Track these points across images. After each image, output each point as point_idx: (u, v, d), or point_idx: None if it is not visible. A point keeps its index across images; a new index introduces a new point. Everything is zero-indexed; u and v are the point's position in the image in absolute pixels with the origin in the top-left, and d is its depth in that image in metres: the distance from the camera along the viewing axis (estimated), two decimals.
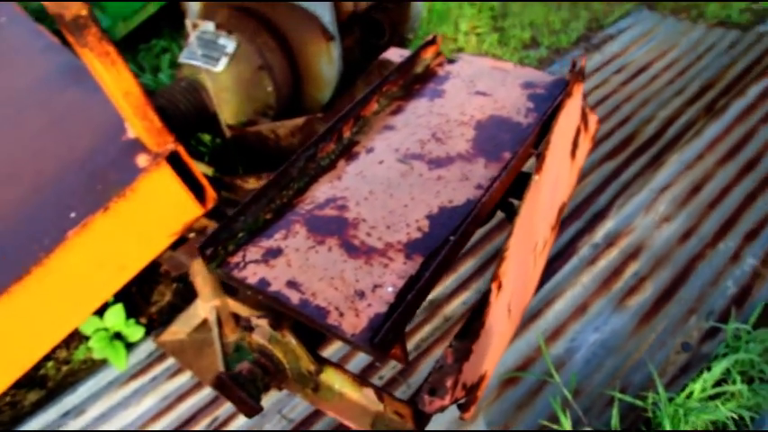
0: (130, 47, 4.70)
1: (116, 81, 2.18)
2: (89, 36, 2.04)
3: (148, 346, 2.80)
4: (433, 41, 2.09)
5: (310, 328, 1.80)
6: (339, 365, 1.64)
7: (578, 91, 1.86)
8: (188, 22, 3.01)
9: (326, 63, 3.07)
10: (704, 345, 2.54)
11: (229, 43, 2.96)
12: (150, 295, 2.97)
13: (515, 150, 1.70)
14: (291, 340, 1.56)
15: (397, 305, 1.32)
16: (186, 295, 2.97)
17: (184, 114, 2.95)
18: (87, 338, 2.78)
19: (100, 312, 2.73)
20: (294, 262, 1.46)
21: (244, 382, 1.52)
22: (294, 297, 1.38)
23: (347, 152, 1.77)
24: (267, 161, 3.14)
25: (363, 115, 1.87)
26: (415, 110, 1.89)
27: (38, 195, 2.41)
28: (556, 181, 1.89)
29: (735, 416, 2.23)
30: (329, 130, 1.76)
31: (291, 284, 1.41)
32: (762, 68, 4.09)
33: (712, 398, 2.28)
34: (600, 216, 3.12)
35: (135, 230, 2.46)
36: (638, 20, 4.84)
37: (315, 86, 3.20)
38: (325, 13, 2.86)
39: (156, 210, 2.48)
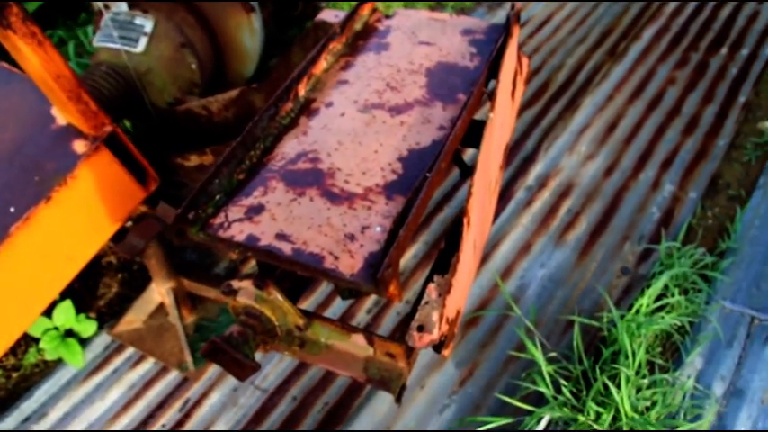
0: None
1: (45, 64, 2.10)
2: (11, 16, 1.95)
3: (103, 339, 2.73)
4: None
5: (290, 284, 1.83)
6: (324, 317, 1.68)
7: (517, 33, 1.96)
8: (99, 4, 2.92)
9: (249, 35, 3.05)
10: (640, 267, 2.74)
11: (147, 22, 2.88)
12: (96, 288, 2.89)
13: (469, 91, 1.78)
14: (278, 296, 1.58)
15: (390, 242, 1.38)
16: (133, 284, 2.91)
17: (109, 100, 2.87)
18: (36, 341, 2.68)
19: (47, 312, 2.64)
20: (279, 215, 1.49)
21: (237, 344, 1.54)
22: (286, 248, 1.41)
23: (306, 109, 1.80)
24: (200, 139, 3.10)
25: (314, 73, 1.90)
26: (364, 63, 1.94)
27: None
28: (502, 122, 1.99)
29: (677, 323, 2.44)
30: (285, 90, 1.78)
31: (281, 237, 1.44)
32: (652, 12, 4.38)
33: (656, 311, 2.47)
34: (529, 160, 3.28)
35: (80, 219, 2.39)
36: None
37: (238, 60, 3.17)
38: None
39: (99, 196, 2.42)
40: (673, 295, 2.49)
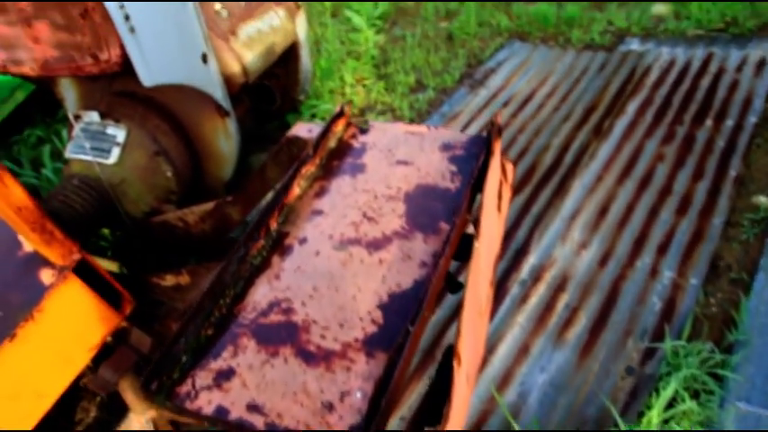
0: (2, 139, 4.40)
1: (4, 198, 2.00)
2: None
3: None
4: (341, 113, 2.05)
5: None
6: None
7: (498, 147, 1.87)
8: (70, 115, 2.84)
9: (224, 139, 2.97)
10: (646, 365, 2.60)
11: (119, 132, 2.80)
12: (73, 414, 2.72)
13: (451, 220, 1.68)
14: None
15: (372, 413, 1.25)
16: (113, 407, 2.75)
17: (82, 215, 2.76)
18: None
19: None
20: (250, 381, 1.35)
21: None
22: (258, 422, 1.28)
23: (279, 246, 1.69)
24: (178, 250, 2.99)
25: (287, 203, 1.80)
26: (339, 189, 1.84)
27: None
28: (490, 238, 1.88)
29: None
30: (256, 225, 1.67)
31: (253, 408, 1.30)
32: (633, 86, 4.35)
33: (667, 420, 2.32)
34: (522, 252, 3.17)
35: (49, 353, 2.25)
36: (513, 51, 5.05)
37: (215, 164, 3.08)
38: (216, 90, 2.77)
39: (69, 326, 2.28)
40: (683, 400, 2.34)
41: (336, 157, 1.97)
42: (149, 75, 2.35)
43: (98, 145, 2.80)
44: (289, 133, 2.15)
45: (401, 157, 1.93)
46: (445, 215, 1.70)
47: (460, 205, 1.71)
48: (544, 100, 4.37)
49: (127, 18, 2.23)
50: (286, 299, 1.53)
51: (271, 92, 3.57)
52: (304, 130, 2.14)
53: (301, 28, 3.34)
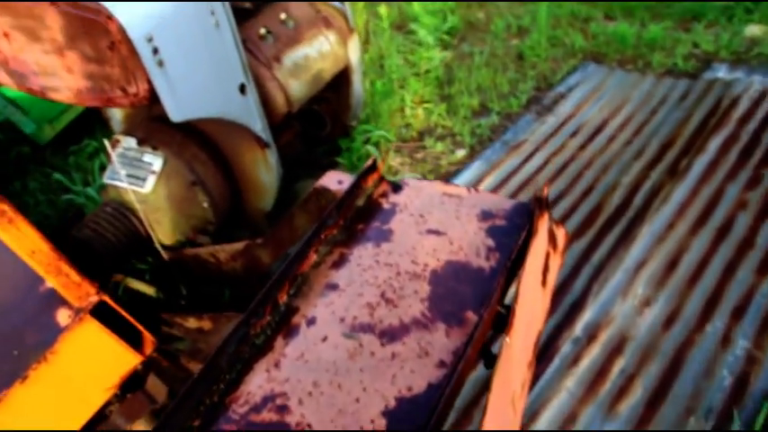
0: (61, 148, 4.42)
1: (18, 241, 1.92)
2: None
3: None
4: (373, 167, 1.86)
5: None
6: None
7: (544, 225, 1.64)
8: (107, 142, 2.76)
9: (264, 171, 2.83)
10: None
11: (155, 160, 2.71)
12: None
13: (479, 311, 1.47)
14: None
15: None
16: None
17: (114, 245, 2.68)
18: None
19: None
20: None
21: None
22: None
23: (285, 324, 1.51)
24: (210, 282, 2.88)
25: (301, 272, 1.62)
26: (359, 260, 1.65)
27: None
28: (530, 317, 1.66)
29: None
30: (263, 299, 1.50)
31: None
32: (717, 119, 3.98)
33: None
34: (577, 306, 2.90)
35: (63, 394, 2.17)
36: (587, 74, 4.73)
37: (255, 195, 2.95)
38: (255, 122, 2.63)
39: (85, 367, 2.20)
40: None
41: (362, 220, 1.78)
42: (178, 110, 2.23)
43: (134, 172, 2.72)
44: (318, 183, 1.97)
45: (433, 224, 1.72)
46: (474, 303, 1.49)
47: (492, 292, 1.49)
48: (616, 131, 4.06)
49: (155, 51, 2.11)
50: (283, 393, 1.35)
51: (321, 116, 3.42)
52: (334, 181, 1.96)
53: (353, 52, 3.17)
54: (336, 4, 3.10)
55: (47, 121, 4.31)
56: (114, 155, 2.78)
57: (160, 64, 2.13)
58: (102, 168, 3.77)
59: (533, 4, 5.66)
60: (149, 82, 2.13)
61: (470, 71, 4.76)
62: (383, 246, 1.68)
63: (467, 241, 1.65)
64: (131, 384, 2.42)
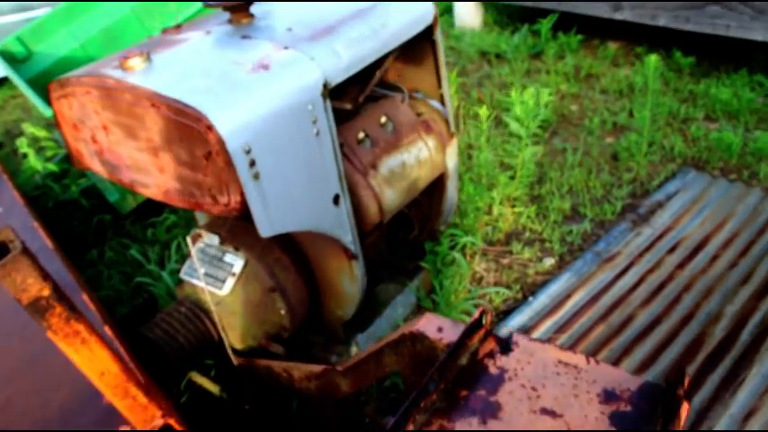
0: (142, 218, 4.41)
1: (88, 362, 1.79)
2: (53, 318, 1.68)
3: None
4: (479, 323, 1.67)
5: None
6: None
7: (685, 415, 1.40)
8: (188, 239, 2.67)
9: (349, 281, 2.67)
10: None
11: (236, 261, 2.59)
12: None
13: None
14: None
15: None
16: None
17: (183, 347, 2.56)
18: None
19: None
20: None
21: None
22: None
23: None
24: (279, 396, 2.71)
25: None
26: None
27: None
28: None
29: None
30: None
31: None
32: None
33: None
34: None
35: None
36: (686, 183, 4.45)
37: (336, 304, 2.80)
38: (345, 234, 2.49)
39: None
40: None
41: (465, 385, 1.57)
42: (269, 225, 2.11)
43: (213, 272, 2.61)
44: (415, 327, 1.79)
45: (548, 402, 1.50)
46: None
47: None
48: (719, 250, 3.75)
49: (252, 164, 2.00)
50: None
51: (409, 219, 3.26)
52: (433, 327, 1.77)
53: (451, 158, 3.02)
54: (438, 106, 2.97)
55: (130, 191, 4.31)
56: (194, 250, 2.68)
57: (256, 177, 2.02)
58: (179, 249, 3.70)
59: (629, 100, 5.45)
60: (242, 194, 2.01)
61: (562, 170, 4.55)
62: (490, 423, 1.46)
63: (587, 428, 1.43)
64: None
